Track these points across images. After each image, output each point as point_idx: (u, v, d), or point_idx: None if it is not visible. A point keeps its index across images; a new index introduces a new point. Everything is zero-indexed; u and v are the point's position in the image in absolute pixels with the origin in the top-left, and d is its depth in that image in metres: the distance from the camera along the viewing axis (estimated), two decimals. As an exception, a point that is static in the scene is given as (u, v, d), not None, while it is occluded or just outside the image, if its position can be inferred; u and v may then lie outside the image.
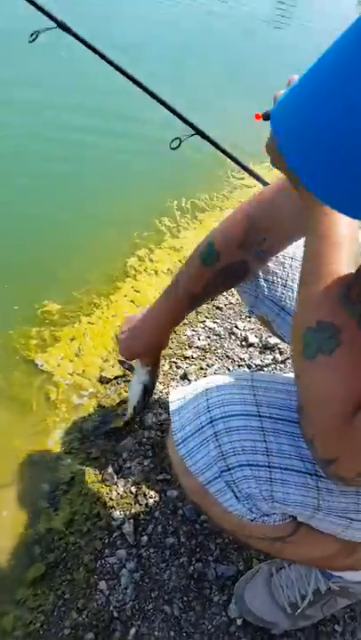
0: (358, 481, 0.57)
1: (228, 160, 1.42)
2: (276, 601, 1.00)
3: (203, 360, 1.67)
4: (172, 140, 1.26)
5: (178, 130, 1.31)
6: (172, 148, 1.25)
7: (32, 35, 1.20)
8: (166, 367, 1.61)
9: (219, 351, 1.73)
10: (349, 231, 0.58)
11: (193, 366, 1.63)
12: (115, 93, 2.37)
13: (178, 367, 1.62)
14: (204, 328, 1.82)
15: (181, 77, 3.57)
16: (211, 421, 0.68)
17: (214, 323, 1.85)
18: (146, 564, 1.12)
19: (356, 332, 0.53)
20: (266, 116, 0.53)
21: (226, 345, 1.76)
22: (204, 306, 1.91)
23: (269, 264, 1.06)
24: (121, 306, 1.78)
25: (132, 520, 1.18)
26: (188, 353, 1.69)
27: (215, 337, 1.78)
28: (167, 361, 1.63)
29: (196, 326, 1.82)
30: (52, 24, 1.20)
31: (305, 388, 0.57)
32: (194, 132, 1.33)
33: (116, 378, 1.55)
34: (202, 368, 1.64)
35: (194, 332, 1.79)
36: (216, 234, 0.94)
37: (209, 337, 1.78)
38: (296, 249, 1.05)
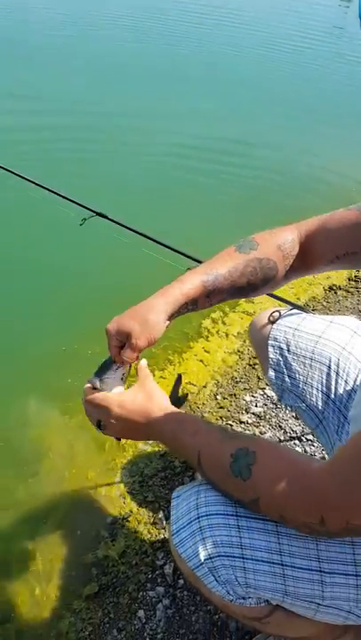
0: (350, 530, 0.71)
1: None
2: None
3: (256, 427, 1.87)
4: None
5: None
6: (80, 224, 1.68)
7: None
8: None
9: (273, 420, 1.91)
10: None
11: (246, 432, 1.83)
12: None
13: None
14: (263, 395, 2.01)
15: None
16: (198, 517, 0.85)
17: (273, 391, 2.04)
18: (179, 603, 1.33)
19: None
20: None
21: (280, 415, 1.94)
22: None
23: (292, 362, 1.19)
24: (190, 364, 2.02)
25: (172, 563, 1.40)
26: (244, 418, 1.89)
27: (272, 405, 1.97)
28: (223, 422, 1.84)
29: (256, 392, 2.02)
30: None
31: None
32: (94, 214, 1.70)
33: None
34: (254, 435, 1.83)
35: (253, 398, 1.99)
36: (258, 233, 1.02)
37: (266, 404, 1.97)
38: (314, 348, 1.18)
